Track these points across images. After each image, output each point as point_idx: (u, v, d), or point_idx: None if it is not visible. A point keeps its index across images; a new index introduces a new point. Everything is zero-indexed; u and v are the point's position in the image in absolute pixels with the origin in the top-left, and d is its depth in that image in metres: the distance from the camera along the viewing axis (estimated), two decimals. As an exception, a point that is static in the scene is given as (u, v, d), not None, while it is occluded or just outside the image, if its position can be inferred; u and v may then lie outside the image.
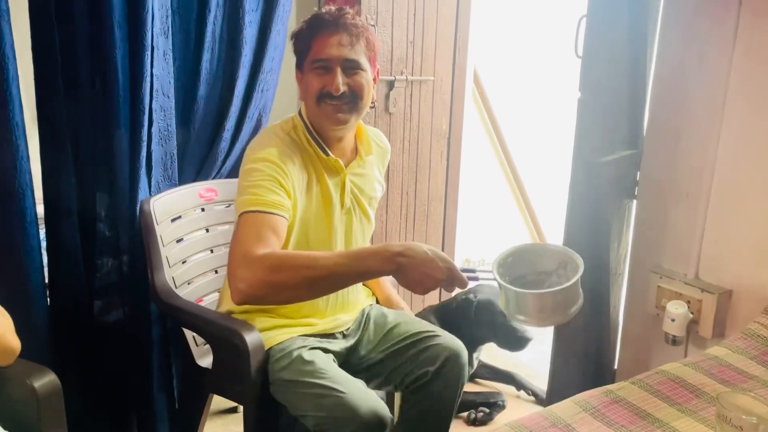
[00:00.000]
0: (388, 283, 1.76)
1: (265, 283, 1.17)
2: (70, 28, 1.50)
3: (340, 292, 1.51)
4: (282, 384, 1.41)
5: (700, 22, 1.71)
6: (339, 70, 1.38)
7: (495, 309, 2.24)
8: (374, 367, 1.53)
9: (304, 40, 1.42)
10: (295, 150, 1.42)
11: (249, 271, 1.17)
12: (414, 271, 1.15)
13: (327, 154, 1.45)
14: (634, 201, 1.94)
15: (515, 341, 2.20)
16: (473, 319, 2.19)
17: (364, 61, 1.42)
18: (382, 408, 1.32)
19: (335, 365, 1.42)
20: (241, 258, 1.20)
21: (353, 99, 1.40)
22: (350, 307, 1.60)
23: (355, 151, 1.54)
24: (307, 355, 1.39)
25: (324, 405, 1.31)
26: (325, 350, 1.46)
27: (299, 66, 1.46)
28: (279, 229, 1.28)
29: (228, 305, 1.53)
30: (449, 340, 1.50)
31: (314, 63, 1.39)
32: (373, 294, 1.76)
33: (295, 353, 1.40)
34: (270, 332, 1.46)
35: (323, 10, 1.43)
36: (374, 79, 1.47)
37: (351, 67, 1.40)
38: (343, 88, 1.38)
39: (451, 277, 1.17)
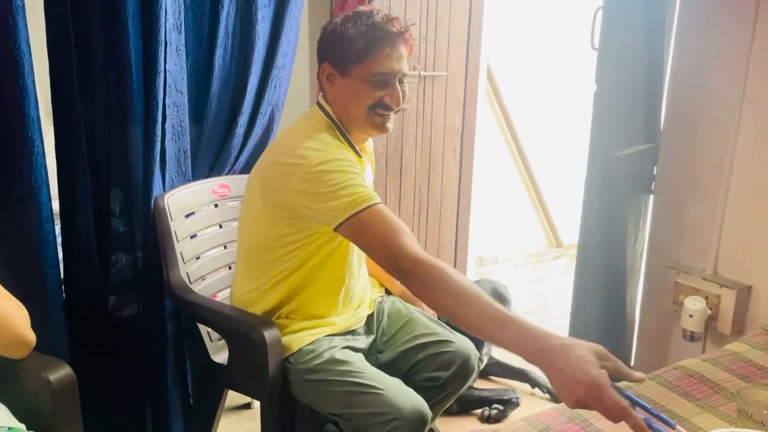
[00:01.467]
0: None
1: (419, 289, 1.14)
2: (85, 23, 1.51)
3: (354, 287, 1.53)
4: (312, 385, 1.40)
5: (718, 13, 1.68)
6: (397, 84, 1.38)
7: None
8: (389, 364, 1.53)
9: (361, 47, 1.35)
10: (340, 149, 1.39)
11: (422, 265, 1.13)
12: (557, 375, 0.93)
13: (360, 156, 1.46)
14: (651, 196, 1.92)
15: None
16: None
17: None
18: (423, 405, 1.34)
19: (368, 364, 1.43)
20: (409, 250, 1.15)
21: (399, 109, 1.42)
22: (366, 301, 1.60)
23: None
24: (340, 354, 1.39)
25: (364, 402, 1.32)
26: (354, 348, 1.47)
27: (341, 68, 1.38)
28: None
29: (263, 307, 1.49)
30: (462, 344, 1.52)
31: (375, 75, 1.36)
32: (382, 285, 1.75)
33: (326, 354, 1.40)
34: (297, 334, 1.45)
35: (383, 18, 1.37)
36: None
37: (402, 80, 1.40)
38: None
39: (595, 399, 0.90)
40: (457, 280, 1.09)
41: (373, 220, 1.22)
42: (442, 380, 1.49)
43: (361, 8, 1.42)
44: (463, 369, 1.50)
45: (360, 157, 1.45)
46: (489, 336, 1.07)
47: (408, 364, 1.52)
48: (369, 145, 1.62)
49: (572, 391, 0.91)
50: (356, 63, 1.37)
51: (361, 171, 1.33)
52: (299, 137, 1.36)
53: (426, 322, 1.57)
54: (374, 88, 1.37)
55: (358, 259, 1.54)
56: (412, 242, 1.17)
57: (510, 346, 1.03)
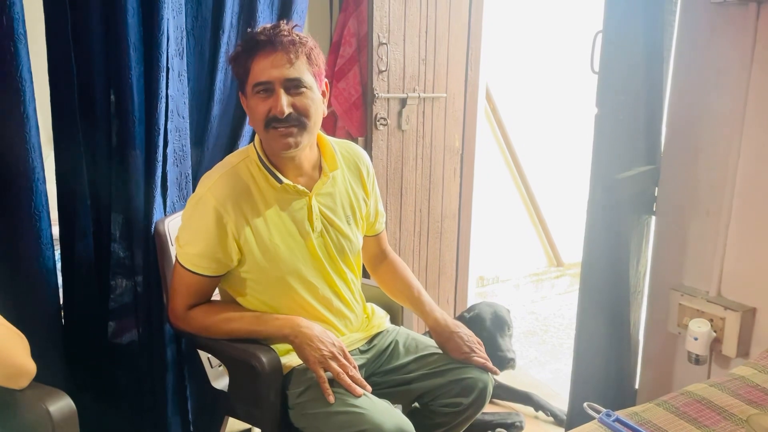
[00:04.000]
0: (434, 306, 1.65)
1: (192, 334, 1.48)
2: (87, 49, 1.51)
3: (339, 321, 1.53)
4: (302, 407, 1.40)
5: (717, 35, 1.69)
6: (282, 92, 1.33)
7: (482, 324, 2.25)
8: (406, 385, 1.53)
9: (242, 64, 1.36)
10: (241, 184, 1.39)
11: (180, 325, 1.47)
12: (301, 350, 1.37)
13: (280, 182, 1.40)
14: (653, 217, 1.91)
15: (496, 360, 2.19)
16: None
17: (307, 78, 1.36)
18: (407, 424, 1.33)
19: None
20: (174, 312, 1.47)
21: (300, 121, 1.35)
22: (360, 327, 1.60)
23: (320, 169, 1.49)
24: (327, 375, 1.38)
25: (348, 423, 1.31)
26: None
27: (242, 90, 1.41)
28: (206, 289, 1.46)
29: None
30: (481, 371, 1.53)
31: (255, 87, 1.34)
32: (399, 316, 1.75)
33: (312, 377, 1.39)
34: (288, 356, 1.45)
35: (258, 30, 1.37)
36: (323, 94, 1.43)
37: (294, 86, 1.34)
38: (288, 110, 1.33)
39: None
40: (212, 318, 1.45)
41: (174, 271, 1.47)
42: (462, 406, 1.49)
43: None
44: (482, 394, 1.51)
45: (281, 182, 1.40)
46: (254, 332, 1.43)
47: (426, 388, 1.52)
48: (344, 148, 1.56)
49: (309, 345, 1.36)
50: (246, 81, 1.37)
51: (219, 232, 1.37)
52: (209, 175, 1.44)
53: (446, 352, 1.57)
54: (261, 102, 1.35)
55: (330, 290, 1.51)
56: (180, 302, 1.46)
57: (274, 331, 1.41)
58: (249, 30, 1.39)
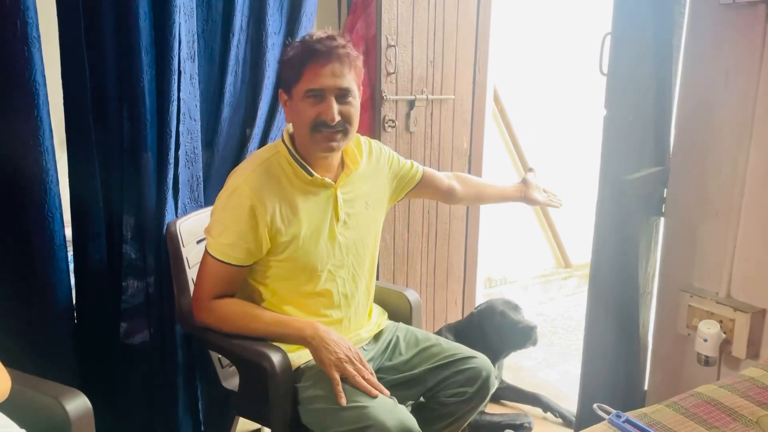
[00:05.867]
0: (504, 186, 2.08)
1: (212, 326, 1.49)
2: (99, 53, 1.53)
3: (353, 313, 1.57)
4: (310, 402, 1.43)
5: (726, 36, 1.69)
6: (333, 100, 1.42)
7: (494, 310, 2.26)
8: (412, 380, 1.58)
9: (295, 68, 1.43)
10: (273, 177, 1.45)
11: (202, 314, 1.48)
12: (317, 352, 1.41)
13: (312, 175, 1.47)
14: (662, 218, 1.91)
15: (520, 334, 2.19)
16: (480, 331, 2.21)
17: (354, 88, 1.46)
18: (411, 420, 1.36)
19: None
20: (198, 300, 1.49)
21: (344, 127, 1.45)
22: (366, 323, 1.64)
23: (342, 164, 1.57)
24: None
25: (352, 419, 1.34)
26: None
27: (287, 91, 1.47)
28: (234, 279, 1.48)
29: None
30: (483, 361, 1.59)
31: (308, 92, 1.42)
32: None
33: (319, 373, 1.42)
34: (297, 352, 1.48)
35: (314, 38, 1.43)
36: (360, 103, 1.51)
37: (343, 96, 1.43)
38: (337, 118, 1.42)
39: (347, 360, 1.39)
40: (235, 309, 1.48)
41: (203, 262, 1.48)
42: (468, 395, 1.55)
43: (312, 32, 1.47)
44: (486, 383, 1.57)
45: (312, 176, 1.47)
46: (273, 333, 1.46)
47: (432, 381, 1.57)
48: (360, 145, 1.62)
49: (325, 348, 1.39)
50: (295, 83, 1.43)
51: (251, 223, 1.40)
52: (239, 170, 1.48)
53: (447, 344, 1.62)
54: (310, 106, 1.42)
55: (345, 291, 1.56)
56: (206, 291, 1.47)
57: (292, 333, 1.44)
58: (307, 36, 1.45)
